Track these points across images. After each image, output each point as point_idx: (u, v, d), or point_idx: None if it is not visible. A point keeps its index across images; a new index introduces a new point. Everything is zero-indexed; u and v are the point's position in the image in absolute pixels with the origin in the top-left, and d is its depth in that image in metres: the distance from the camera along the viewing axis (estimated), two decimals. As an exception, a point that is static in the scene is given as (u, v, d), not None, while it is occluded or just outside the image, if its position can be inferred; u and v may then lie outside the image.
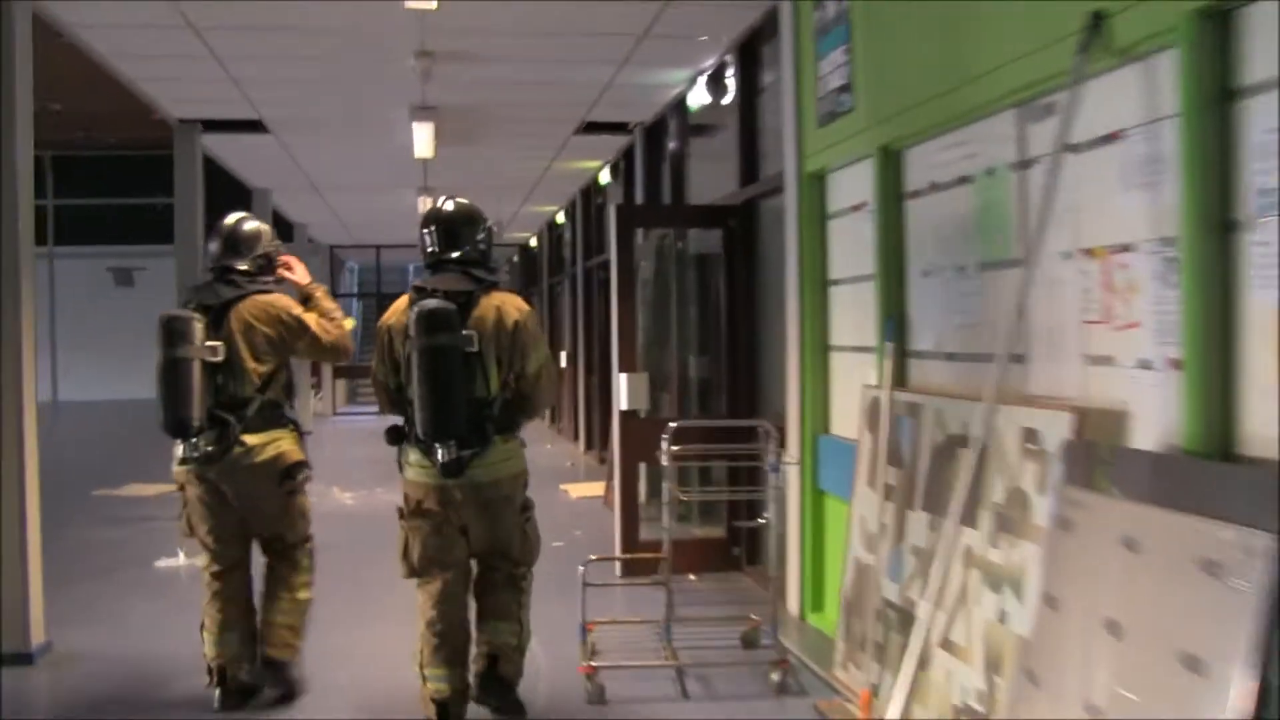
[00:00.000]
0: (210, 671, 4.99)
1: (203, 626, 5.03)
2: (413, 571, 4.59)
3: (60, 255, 23.72)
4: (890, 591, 4.90)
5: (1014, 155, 4.32)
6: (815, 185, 6.31)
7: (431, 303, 4.43)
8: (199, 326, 4.82)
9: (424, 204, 14.79)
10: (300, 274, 5.33)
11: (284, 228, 9.12)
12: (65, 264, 23.82)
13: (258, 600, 5.13)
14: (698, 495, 7.24)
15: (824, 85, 6.01)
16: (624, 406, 7.60)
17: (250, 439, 4.88)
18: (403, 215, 17.02)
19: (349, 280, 29.83)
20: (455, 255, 4.65)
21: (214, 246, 5.13)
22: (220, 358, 4.84)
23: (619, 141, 11.54)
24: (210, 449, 4.81)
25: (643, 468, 7.86)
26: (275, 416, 4.99)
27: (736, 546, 7.72)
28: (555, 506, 10.48)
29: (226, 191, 14.90)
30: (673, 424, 5.64)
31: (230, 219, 5.18)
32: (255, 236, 5.16)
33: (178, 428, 4.79)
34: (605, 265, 14.01)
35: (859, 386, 5.70)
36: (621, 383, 7.60)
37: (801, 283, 6.35)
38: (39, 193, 22.79)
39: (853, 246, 5.92)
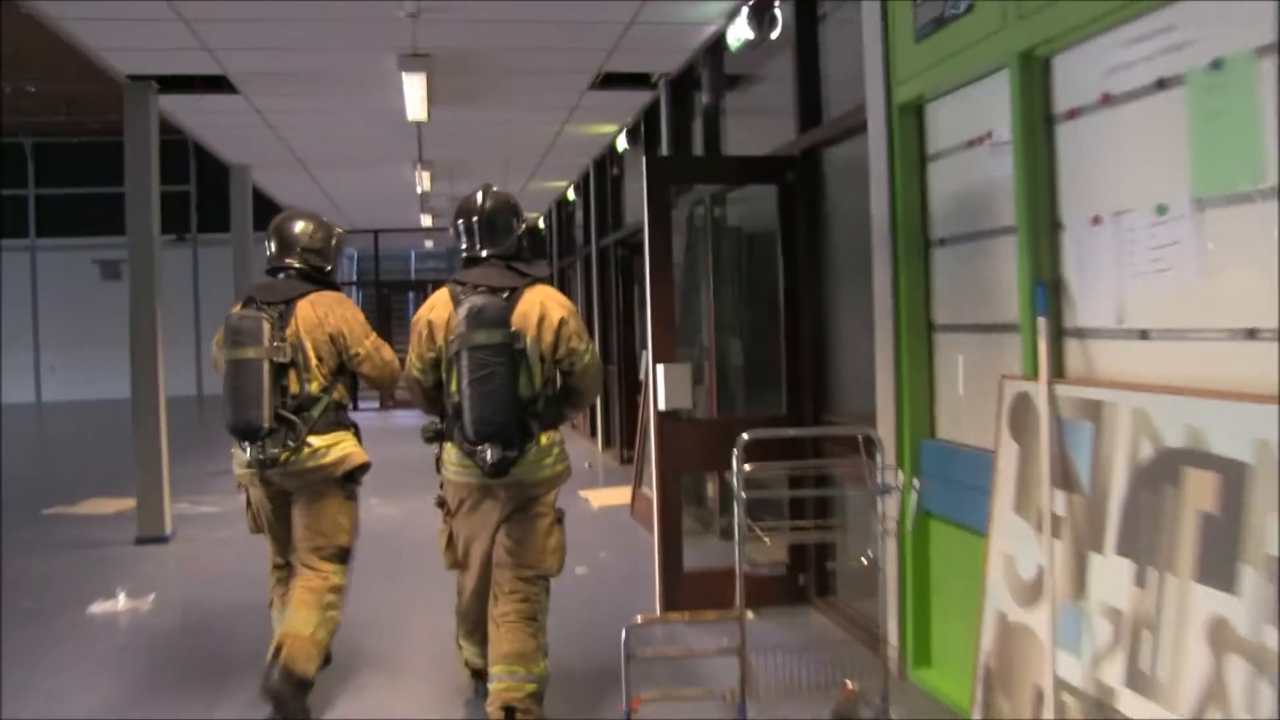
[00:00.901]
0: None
1: (271, 605, 5.00)
2: (456, 564, 4.61)
3: (43, 248, 22.58)
4: (1069, 668, 3.49)
5: (1268, 34, 2.90)
6: (910, 118, 4.93)
7: (480, 300, 4.30)
8: (267, 326, 4.72)
9: (421, 179, 13.54)
10: None
11: (268, 210, 7.75)
12: (48, 256, 22.61)
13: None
14: (787, 534, 5.45)
15: (925, -16, 4.60)
16: (663, 407, 6.10)
17: (316, 440, 4.75)
18: (400, 194, 15.55)
19: (348, 268, 28.35)
20: (495, 251, 4.52)
21: (272, 243, 5.00)
22: (287, 358, 4.73)
23: (640, 99, 10.00)
24: (276, 451, 4.67)
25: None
26: (339, 418, 4.87)
27: (803, 574, 6.26)
28: (576, 518, 8.86)
29: (216, 174, 13.55)
30: (745, 435, 4.16)
31: (285, 214, 5.09)
32: (317, 230, 5.04)
33: (246, 430, 4.66)
34: (621, 243, 12.69)
35: (975, 376, 4.49)
36: (659, 376, 6.07)
37: (894, 244, 4.95)
38: (19, 182, 21.91)
39: (967, 194, 4.59)
